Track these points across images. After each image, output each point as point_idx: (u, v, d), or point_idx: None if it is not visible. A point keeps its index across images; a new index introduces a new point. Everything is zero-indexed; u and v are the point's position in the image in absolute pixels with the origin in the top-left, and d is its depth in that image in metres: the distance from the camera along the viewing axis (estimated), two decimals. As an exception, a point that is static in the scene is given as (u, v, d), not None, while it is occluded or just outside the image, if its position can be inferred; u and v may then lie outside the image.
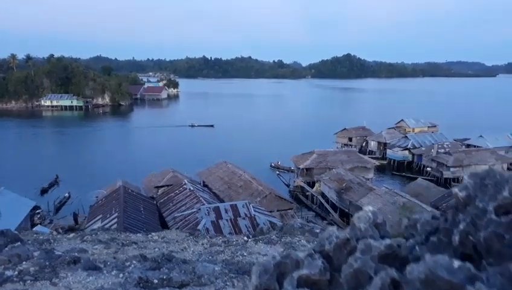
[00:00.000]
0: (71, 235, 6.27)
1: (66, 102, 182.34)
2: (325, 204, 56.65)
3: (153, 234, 6.27)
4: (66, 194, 61.18)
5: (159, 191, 51.81)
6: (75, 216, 51.60)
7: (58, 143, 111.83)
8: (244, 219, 35.53)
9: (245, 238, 6.11)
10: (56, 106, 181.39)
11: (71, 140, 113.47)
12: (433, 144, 79.08)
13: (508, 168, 72.55)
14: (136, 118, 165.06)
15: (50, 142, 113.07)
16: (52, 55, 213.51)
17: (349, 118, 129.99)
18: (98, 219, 40.81)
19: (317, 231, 6.92)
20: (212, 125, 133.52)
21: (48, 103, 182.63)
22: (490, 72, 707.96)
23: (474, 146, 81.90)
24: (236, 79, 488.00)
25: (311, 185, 63.91)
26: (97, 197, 51.07)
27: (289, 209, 49.44)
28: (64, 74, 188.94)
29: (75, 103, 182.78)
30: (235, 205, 36.99)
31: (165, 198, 47.07)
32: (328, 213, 54.44)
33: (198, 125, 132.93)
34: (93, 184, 58.99)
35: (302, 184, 64.59)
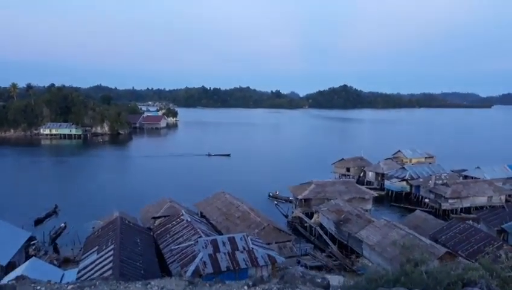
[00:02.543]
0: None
1: (65, 131, 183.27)
2: (324, 236, 56.06)
3: (152, 284, 6.29)
4: (62, 225, 60.52)
5: (156, 222, 51.26)
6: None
7: (56, 172, 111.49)
8: (242, 252, 35.05)
9: (245, 287, 6.13)
10: (55, 135, 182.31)
11: (69, 169, 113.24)
12: (430, 175, 79.23)
13: (507, 200, 72.43)
14: (135, 147, 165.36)
15: (48, 171, 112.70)
16: (52, 85, 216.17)
17: (346, 148, 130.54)
18: (94, 251, 40.12)
19: (319, 280, 6.92)
20: (229, 155, 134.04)
21: (47, 131, 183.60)
22: (485, 103, 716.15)
23: (472, 177, 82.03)
24: (234, 108, 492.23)
25: (310, 215, 63.48)
26: (93, 227, 50.51)
27: (287, 241, 48.90)
28: (64, 103, 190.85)
29: (73, 131, 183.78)
30: (233, 237, 36.56)
31: (162, 229, 46.52)
32: (326, 245, 53.79)
33: (215, 155, 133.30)
34: (90, 214, 58.52)
35: (301, 215, 64.12)
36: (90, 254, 40.05)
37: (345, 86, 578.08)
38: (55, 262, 44.45)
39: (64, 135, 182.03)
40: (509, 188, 77.64)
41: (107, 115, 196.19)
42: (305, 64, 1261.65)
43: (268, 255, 35.87)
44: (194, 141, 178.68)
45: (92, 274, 34.42)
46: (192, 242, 37.13)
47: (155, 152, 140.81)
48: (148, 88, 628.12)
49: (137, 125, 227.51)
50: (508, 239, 48.52)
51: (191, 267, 32.82)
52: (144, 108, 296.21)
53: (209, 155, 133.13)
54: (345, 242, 52.27)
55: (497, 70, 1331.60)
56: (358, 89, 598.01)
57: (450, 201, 68.96)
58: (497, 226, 51.31)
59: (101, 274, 33.59)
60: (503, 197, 71.97)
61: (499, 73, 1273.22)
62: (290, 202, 73.32)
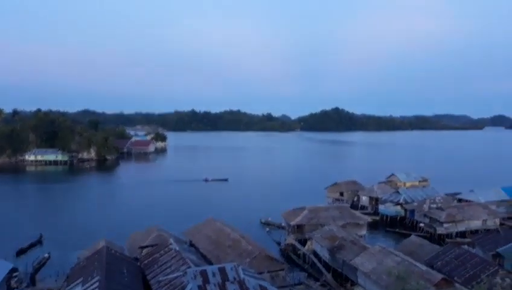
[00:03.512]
0: None
1: (51, 157, 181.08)
2: (318, 264, 54.44)
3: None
4: (46, 255, 58.24)
5: (144, 251, 49.43)
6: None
7: (41, 200, 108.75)
8: (232, 283, 33.43)
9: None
10: (40, 161, 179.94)
11: (54, 196, 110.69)
12: (425, 198, 78.55)
13: (501, 223, 71.72)
14: (122, 173, 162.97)
15: (32, 198, 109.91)
16: (39, 110, 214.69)
17: (339, 172, 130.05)
18: (79, 283, 38.24)
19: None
20: (226, 179, 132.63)
21: (32, 157, 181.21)
22: (477, 124, 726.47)
23: (466, 200, 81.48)
24: (225, 132, 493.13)
25: (303, 242, 61.89)
26: (78, 257, 48.57)
27: (280, 269, 47.22)
28: (50, 128, 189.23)
29: (59, 157, 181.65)
30: (223, 267, 34.97)
31: (150, 259, 44.71)
32: (321, 273, 52.15)
33: (213, 180, 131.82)
34: (75, 244, 56.77)
35: (294, 242, 62.49)
36: (75, 285, 38.20)
37: (337, 108, 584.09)
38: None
39: (50, 161, 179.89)
40: (503, 211, 77.10)
41: (94, 140, 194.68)
42: (296, 87, 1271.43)
43: (260, 286, 34.29)
44: (183, 166, 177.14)
45: (76, 308, 32.63)
46: (181, 273, 35.55)
47: (143, 178, 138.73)
48: (136, 112, 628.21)
49: (125, 150, 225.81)
50: (504, 263, 47.52)
51: (179, 301, 31.17)
52: (132, 132, 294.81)
53: (206, 180, 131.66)
54: (340, 270, 50.72)
55: (488, 92, 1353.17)
56: (351, 112, 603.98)
57: (445, 225, 67.99)
58: (492, 250, 50.46)
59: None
60: (497, 221, 71.29)
61: (490, 95, 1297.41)
62: (283, 228, 71.77)
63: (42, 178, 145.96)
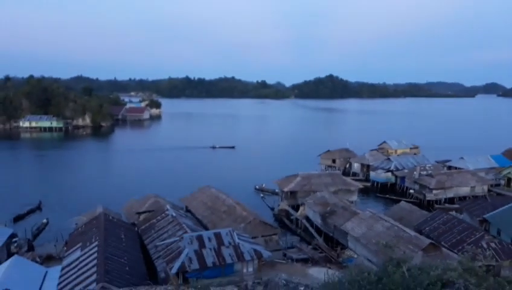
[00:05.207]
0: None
1: (46, 123, 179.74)
2: (310, 228, 56.18)
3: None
4: (44, 221, 59.36)
5: (141, 217, 50.67)
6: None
7: (37, 166, 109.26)
8: (228, 247, 34.82)
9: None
10: (35, 128, 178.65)
11: (50, 163, 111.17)
12: (415, 166, 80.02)
13: (489, 190, 73.70)
14: (117, 140, 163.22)
15: (28, 165, 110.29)
16: (31, 76, 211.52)
17: (332, 139, 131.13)
18: (78, 248, 39.47)
19: (302, 288, 6.72)
20: (233, 147, 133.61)
21: (27, 124, 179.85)
22: (469, 92, 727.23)
23: (456, 168, 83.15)
24: (219, 99, 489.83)
25: (296, 208, 63.53)
26: (77, 224, 49.67)
27: (274, 234, 48.80)
28: (44, 95, 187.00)
29: (54, 124, 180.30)
30: (219, 233, 36.29)
31: (147, 225, 45.99)
32: (312, 237, 53.92)
33: (220, 147, 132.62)
34: (73, 210, 57.61)
35: (287, 208, 64.13)
36: (74, 251, 39.39)
37: (331, 75, 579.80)
38: (38, 259, 43.53)
39: (45, 127, 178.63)
40: (491, 178, 78.94)
41: (89, 107, 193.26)
42: (291, 55, 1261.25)
43: (254, 250, 35.75)
44: (179, 133, 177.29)
45: (76, 271, 33.85)
46: (178, 238, 36.79)
47: (140, 145, 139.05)
48: (130, 78, 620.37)
49: (120, 117, 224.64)
50: (490, 229, 49.31)
51: (177, 264, 32.53)
52: (126, 99, 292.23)
53: (213, 148, 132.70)
54: (331, 234, 52.48)
55: (481, 60, 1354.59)
56: (345, 79, 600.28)
57: (434, 192, 69.80)
58: (479, 216, 52.10)
59: (85, 271, 33.06)
60: (485, 187, 73.17)
61: (483, 63, 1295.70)
62: (276, 194, 73.28)
63: (38, 145, 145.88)
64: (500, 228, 47.71)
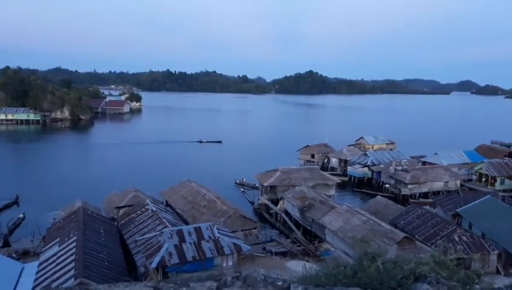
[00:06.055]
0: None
1: (22, 116, 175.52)
2: (289, 222, 57.16)
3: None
4: (21, 215, 58.48)
5: (120, 211, 50.59)
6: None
7: (14, 160, 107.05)
8: (208, 241, 35.29)
9: None
10: (11, 120, 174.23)
11: (28, 157, 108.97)
12: (391, 161, 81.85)
13: (461, 185, 76.12)
14: (97, 133, 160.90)
15: (5, 159, 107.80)
16: (8, 67, 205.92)
17: (312, 134, 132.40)
18: (56, 243, 39.22)
19: (280, 283, 7.18)
20: (220, 141, 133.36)
21: (3, 116, 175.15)
22: (444, 89, 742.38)
23: (430, 163, 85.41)
24: (200, 93, 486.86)
25: (275, 202, 64.41)
26: (54, 218, 49.19)
27: (253, 228, 49.60)
28: (20, 86, 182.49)
29: (31, 116, 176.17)
30: (199, 227, 36.71)
31: (126, 219, 46.01)
32: (291, 231, 54.91)
33: (207, 141, 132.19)
34: (51, 204, 56.92)
35: (266, 202, 64.96)
36: (52, 246, 39.12)
37: (311, 71, 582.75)
38: (14, 255, 43.00)
39: (22, 120, 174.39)
40: (464, 173, 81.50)
41: (68, 100, 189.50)
42: (272, 50, 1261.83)
43: (234, 244, 36.33)
44: (161, 127, 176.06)
45: (54, 267, 33.71)
46: (158, 233, 37.01)
47: (120, 139, 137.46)
48: (110, 71, 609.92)
49: (100, 110, 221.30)
50: (462, 223, 51.14)
51: (157, 258, 32.81)
52: (106, 92, 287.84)
53: (200, 142, 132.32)
54: (309, 228, 53.53)
55: (456, 58, 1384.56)
56: (324, 75, 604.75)
57: (409, 186, 71.68)
58: (452, 210, 53.86)
59: (63, 267, 32.97)
60: (458, 182, 75.54)
61: (457, 61, 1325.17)
62: (256, 188, 74.01)
63: (15, 138, 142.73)
64: (472, 222, 49.50)
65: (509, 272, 41.26)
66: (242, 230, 47.59)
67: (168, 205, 56.06)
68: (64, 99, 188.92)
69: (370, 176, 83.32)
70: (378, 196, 62.64)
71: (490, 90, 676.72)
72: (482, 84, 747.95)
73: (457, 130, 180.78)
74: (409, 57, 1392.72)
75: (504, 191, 72.08)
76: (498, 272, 41.32)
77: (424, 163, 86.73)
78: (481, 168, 78.88)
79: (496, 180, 75.40)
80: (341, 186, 76.47)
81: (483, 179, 78.14)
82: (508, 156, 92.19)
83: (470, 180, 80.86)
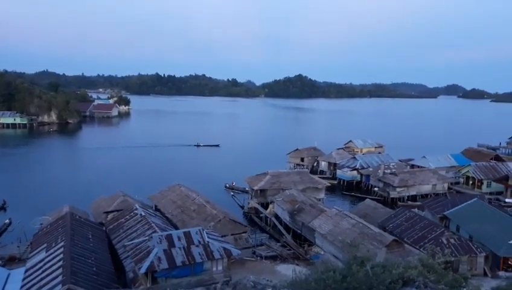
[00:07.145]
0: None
1: (9, 119, 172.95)
2: (279, 226, 57.13)
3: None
4: (7, 221, 57.52)
5: (109, 216, 50.05)
6: None
7: (1, 165, 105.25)
8: (197, 246, 35.09)
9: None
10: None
11: (14, 161, 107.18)
12: (380, 164, 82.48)
13: (449, 188, 76.98)
14: (85, 137, 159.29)
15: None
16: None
17: (301, 138, 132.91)
18: (43, 249, 38.65)
19: (269, 289, 7.20)
20: (218, 145, 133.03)
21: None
22: (432, 93, 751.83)
23: (418, 166, 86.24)
24: (190, 96, 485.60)
25: (265, 206, 64.36)
26: (41, 224, 48.49)
27: (243, 232, 49.46)
28: (6, 90, 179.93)
29: (18, 120, 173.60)
30: (188, 232, 36.49)
31: (115, 224, 45.54)
32: (281, 235, 54.89)
33: (204, 145, 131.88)
34: (38, 209, 56.03)
35: (256, 205, 64.88)
36: (39, 251, 38.55)
37: (300, 75, 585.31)
38: (0, 261, 42.27)
39: (8, 124, 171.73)
40: (451, 176, 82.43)
41: (55, 103, 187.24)
42: (261, 54, 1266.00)
43: (224, 249, 36.19)
44: (149, 130, 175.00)
45: (41, 273, 33.20)
46: (147, 238, 36.69)
47: (109, 143, 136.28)
48: (99, 74, 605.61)
49: (88, 113, 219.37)
50: (450, 225, 51.62)
51: (146, 264, 32.52)
52: (94, 96, 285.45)
53: (197, 146, 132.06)
54: (299, 231, 53.55)
55: (443, 62, 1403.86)
56: (313, 79, 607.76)
57: (397, 189, 72.23)
58: (440, 213, 54.33)
59: (51, 273, 32.48)
60: (446, 185, 76.38)
61: (444, 65, 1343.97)
62: (246, 192, 73.89)
63: (1, 142, 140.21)
64: (459, 225, 49.96)
65: (496, 274, 41.73)
66: (232, 234, 47.43)
67: (157, 209, 55.63)
68: (52, 103, 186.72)
69: (359, 179, 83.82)
70: (367, 199, 62.98)
71: (476, 94, 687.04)
72: (468, 88, 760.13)
73: (444, 133, 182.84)
74: (396, 61, 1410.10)
75: (491, 193, 73.21)
76: (485, 274, 41.79)
77: (412, 166, 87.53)
78: (468, 171, 79.90)
79: (482, 183, 76.42)
80: (330, 189, 76.74)
81: (470, 182, 79.14)
82: (494, 159, 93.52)
83: (458, 183, 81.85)
